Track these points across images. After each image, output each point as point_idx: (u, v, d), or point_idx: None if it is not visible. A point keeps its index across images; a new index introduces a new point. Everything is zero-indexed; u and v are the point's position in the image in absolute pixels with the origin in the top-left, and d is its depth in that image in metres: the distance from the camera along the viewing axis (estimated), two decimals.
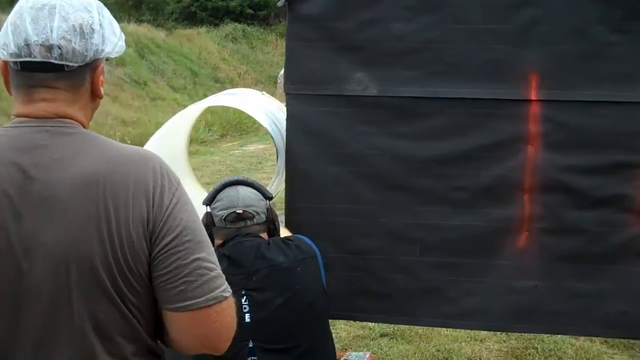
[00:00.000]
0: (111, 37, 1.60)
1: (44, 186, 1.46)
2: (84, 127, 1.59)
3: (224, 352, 1.61)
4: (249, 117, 17.57)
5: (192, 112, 3.86)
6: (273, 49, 26.40)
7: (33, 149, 1.49)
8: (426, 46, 3.14)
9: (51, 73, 1.52)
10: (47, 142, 1.50)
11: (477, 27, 3.09)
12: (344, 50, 3.17)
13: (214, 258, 1.56)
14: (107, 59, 1.63)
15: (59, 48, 1.50)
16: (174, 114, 3.75)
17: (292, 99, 3.23)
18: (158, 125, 14.59)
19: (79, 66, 1.54)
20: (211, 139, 15.44)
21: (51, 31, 1.49)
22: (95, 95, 1.63)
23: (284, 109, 3.30)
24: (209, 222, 2.52)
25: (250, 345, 2.36)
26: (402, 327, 5.07)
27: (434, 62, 3.14)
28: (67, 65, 1.53)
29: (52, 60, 1.50)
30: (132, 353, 1.54)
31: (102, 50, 1.57)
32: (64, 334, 1.47)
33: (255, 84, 19.49)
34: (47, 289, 1.45)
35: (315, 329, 2.47)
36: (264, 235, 2.55)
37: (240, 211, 2.51)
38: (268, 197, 2.61)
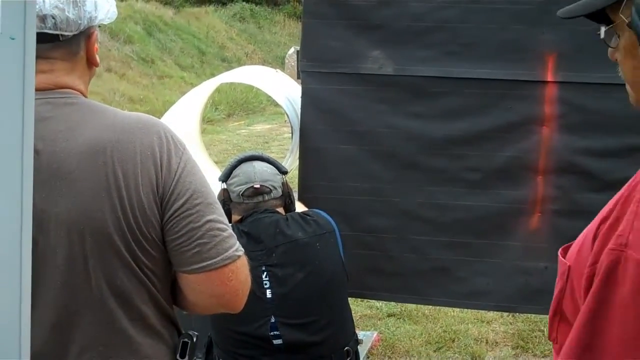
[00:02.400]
0: (103, 3, 1.58)
1: (52, 158, 1.45)
2: (84, 95, 1.59)
3: (239, 310, 1.63)
4: (255, 96, 17.40)
5: (207, 88, 3.86)
6: (280, 29, 26.31)
7: (37, 122, 1.49)
8: (443, 26, 3.14)
9: (46, 44, 1.51)
10: (50, 114, 1.49)
11: (494, 6, 3.08)
12: (360, 28, 3.17)
13: (224, 218, 1.57)
14: (99, 26, 1.62)
15: (53, 18, 1.48)
16: (181, 92, 3.75)
17: (308, 77, 3.24)
18: (165, 104, 14.47)
19: (74, 35, 1.53)
20: (218, 118, 15.43)
21: (43, 1, 1.47)
22: (91, 64, 1.62)
23: (298, 87, 3.31)
24: (225, 198, 2.53)
25: (272, 320, 2.39)
26: (409, 307, 5.10)
27: (450, 42, 3.14)
28: (62, 35, 1.51)
29: (47, 31, 1.49)
30: (154, 318, 1.56)
31: (96, 17, 1.56)
32: (83, 302, 1.48)
33: (262, 64, 19.42)
34: (63, 259, 1.46)
35: (335, 302, 2.49)
36: (281, 210, 2.57)
37: (258, 186, 2.52)
38: (283, 171, 2.63)
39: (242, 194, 2.52)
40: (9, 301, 0.90)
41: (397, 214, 3.25)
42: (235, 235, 1.58)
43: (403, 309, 5.14)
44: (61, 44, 1.53)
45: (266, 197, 2.53)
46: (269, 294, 2.39)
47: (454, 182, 3.18)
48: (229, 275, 1.54)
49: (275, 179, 2.56)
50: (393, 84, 3.19)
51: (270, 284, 2.40)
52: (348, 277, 2.57)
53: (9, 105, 0.79)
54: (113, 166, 1.46)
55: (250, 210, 2.51)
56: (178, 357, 1.61)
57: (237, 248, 1.56)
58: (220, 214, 1.56)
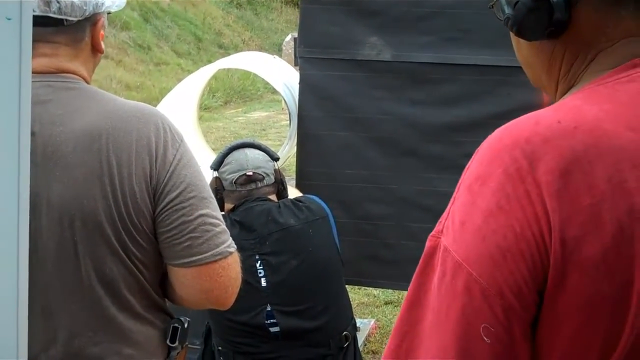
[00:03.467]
0: None
1: (47, 141, 1.44)
2: (87, 82, 1.58)
3: (229, 307, 1.62)
4: (252, 83, 17.39)
5: (205, 74, 3.85)
6: (277, 15, 26.22)
7: (36, 105, 1.48)
8: (441, 12, 3.12)
9: (50, 27, 1.50)
10: (50, 97, 1.48)
11: None
12: (359, 14, 3.15)
13: (218, 214, 1.55)
14: (108, 13, 1.61)
15: (58, 2, 1.47)
16: (177, 79, 3.74)
17: (305, 63, 3.22)
18: (162, 90, 14.44)
19: (79, 20, 1.52)
20: (215, 105, 15.39)
21: None
22: (96, 50, 1.61)
23: (295, 73, 3.30)
24: (218, 186, 2.52)
25: (268, 309, 2.38)
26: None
27: (449, 28, 3.12)
28: (67, 20, 1.50)
29: (51, 15, 1.48)
30: (142, 307, 1.55)
31: (102, 4, 1.54)
32: (72, 288, 1.48)
33: (259, 51, 19.37)
34: (53, 243, 1.45)
35: (331, 288, 2.49)
36: (273, 197, 2.56)
37: (250, 173, 2.50)
38: (275, 158, 2.61)
39: (234, 182, 2.51)
40: (7, 291, 0.89)
41: (395, 201, 3.24)
42: (228, 231, 1.56)
43: (400, 296, 5.14)
44: (65, 29, 1.52)
45: (259, 185, 2.51)
46: (263, 282, 2.39)
47: (452, 169, 3.16)
48: (219, 272, 1.53)
49: (268, 165, 2.55)
50: (391, 70, 3.18)
51: (264, 272, 2.39)
52: (343, 262, 2.56)
53: (6, 87, 0.78)
54: (107, 154, 1.45)
55: (242, 199, 2.50)
56: (168, 342, 1.60)
57: (229, 244, 1.54)
58: (214, 208, 1.54)
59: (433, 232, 0.88)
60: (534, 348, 0.82)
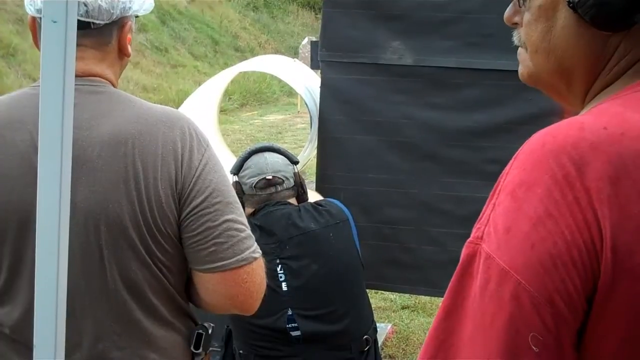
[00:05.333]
0: None
1: (73, 145, 1.45)
2: (113, 85, 1.58)
3: (254, 312, 1.62)
4: (268, 86, 17.41)
5: (225, 77, 3.86)
6: (294, 19, 26.25)
7: None
8: (463, 16, 3.12)
9: (78, 30, 1.51)
10: (76, 100, 1.47)
11: None
12: (381, 18, 3.15)
13: (244, 219, 1.54)
14: (136, 16, 1.61)
15: (85, 5, 1.48)
16: (194, 81, 3.76)
17: (327, 67, 3.23)
18: (178, 92, 14.47)
19: (106, 24, 1.52)
20: (231, 108, 15.43)
21: None
22: (123, 54, 1.61)
23: (315, 76, 3.30)
24: (237, 191, 2.51)
25: (289, 313, 2.38)
26: (424, 299, 5.09)
27: (471, 33, 3.12)
28: (94, 23, 1.51)
29: (78, 18, 1.46)
30: (167, 312, 1.55)
31: (130, 7, 1.55)
32: (97, 292, 1.48)
33: (275, 54, 19.41)
34: (79, 247, 1.45)
35: (351, 292, 2.48)
36: (293, 201, 2.55)
37: (270, 177, 2.50)
38: (294, 161, 2.61)
39: (254, 186, 2.50)
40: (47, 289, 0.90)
41: (415, 205, 3.24)
42: (253, 236, 1.56)
43: (417, 301, 5.14)
44: (92, 32, 1.53)
45: (279, 188, 2.51)
46: (284, 286, 2.39)
47: (472, 174, 3.17)
48: (243, 277, 1.52)
49: (287, 169, 2.55)
50: (413, 74, 3.18)
51: (285, 276, 2.39)
52: (364, 266, 2.56)
53: (51, 88, 0.79)
54: (133, 158, 1.45)
55: (262, 203, 2.50)
56: (192, 348, 1.60)
57: (254, 250, 1.53)
58: (239, 214, 1.53)
59: (470, 239, 0.86)
60: (580, 355, 0.81)
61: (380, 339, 4.47)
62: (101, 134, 1.46)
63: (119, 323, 1.50)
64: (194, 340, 1.60)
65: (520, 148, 0.86)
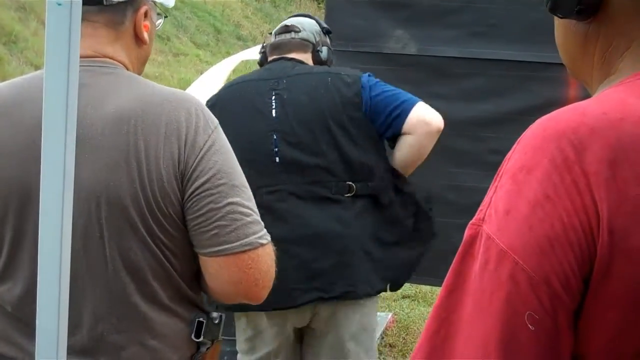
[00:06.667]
0: None
1: (79, 123, 1.42)
2: (127, 69, 1.56)
3: (261, 301, 1.57)
4: None
5: (228, 65, 3.85)
6: (296, 8, 26.10)
7: None
8: (468, 6, 3.11)
9: (92, 6, 1.49)
10: (87, 81, 1.46)
11: None
12: (385, 7, 3.14)
13: (251, 204, 1.50)
14: (159, 12, 1.61)
15: None
16: (196, 70, 3.74)
17: None
18: (180, 81, 14.50)
19: (119, 2, 1.52)
20: None
21: None
22: (139, 39, 1.59)
23: None
24: (266, 45, 2.65)
25: (274, 137, 2.43)
26: (424, 289, 5.10)
27: (475, 22, 3.11)
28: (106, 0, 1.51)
29: None
30: (168, 298, 1.51)
31: None
32: (97, 271, 1.46)
33: None
34: (81, 225, 1.43)
35: (336, 135, 2.44)
36: (307, 58, 2.59)
37: (289, 24, 2.61)
38: (327, 30, 2.68)
39: (275, 32, 2.62)
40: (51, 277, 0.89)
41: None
42: (262, 222, 1.52)
43: (417, 290, 5.15)
44: (105, 9, 1.52)
45: (294, 35, 2.58)
46: (274, 113, 2.45)
47: (476, 164, 3.16)
48: (247, 263, 1.48)
49: (312, 28, 2.62)
50: (416, 64, 3.17)
51: (275, 104, 2.46)
52: (372, 121, 2.50)
53: (56, 69, 0.79)
54: (135, 137, 1.43)
55: (276, 49, 2.59)
56: (193, 336, 1.55)
57: (260, 235, 1.49)
58: (246, 198, 1.49)
59: (473, 221, 0.88)
60: (576, 336, 0.83)
61: (381, 328, 4.48)
62: (106, 113, 1.45)
63: (118, 305, 1.47)
64: (194, 329, 1.55)
65: (524, 133, 0.88)
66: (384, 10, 3.14)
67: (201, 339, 1.56)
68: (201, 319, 1.56)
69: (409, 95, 2.55)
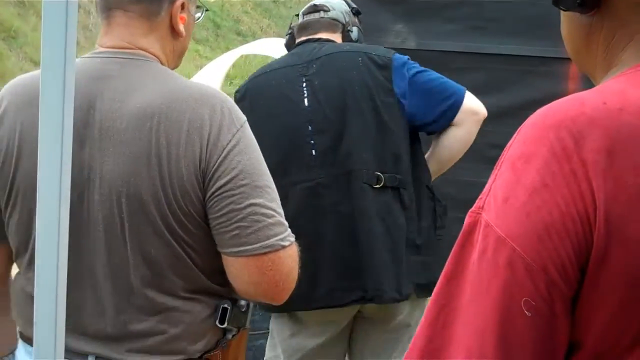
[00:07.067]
0: None
1: (105, 117, 1.44)
2: (160, 62, 1.55)
3: (281, 302, 1.55)
4: None
5: (228, 60, 3.85)
6: (296, 3, 26.11)
7: (101, 79, 1.48)
8: (467, 0, 3.10)
9: None
10: (116, 73, 1.48)
11: None
12: (384, 1, 3.14)
13: (275, 205, 1.48)
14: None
15: None
16: (195, 65, 3.74)
17: None
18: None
19: None
20: (232, 92, 15.41)
21: None
22: (175, 33, 1.58)
23: None
24: (294, 25, 2.56)
25: (309, 128, 2.32)
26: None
27: (474, 17, 3.10)
28: None
29: None
30: (189, 291, 1.51)
31: None
32: (118, 264, 1.46)
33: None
34: (103, 218, 1.45)
35: (372, 127, 2.30)
36: (337, 37, 2.49)
37: (318, 3, 2.50)
38: (357, 11, 2.58)
39: (302, 13, 2.52)
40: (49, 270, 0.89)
41: None
42: (285, 223, 1.49)
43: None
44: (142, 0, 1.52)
45: (323, 15, 2.48)
46: (306, 102, 2.33)
47: (475, 158, 3.15)
48: (267, 265, 1.46)
49: (341, 7, 2.52)
50: (416, 58, 3.14)
51: (307, 92, 2.34)
52: (408, 117, 2.37)
53: (52, 66, 0.78)
54: (158, 133, 1.42)
55: (305, 33, 2.48)
56: (217, 323, 1.54)
57: (283, 237, 1.47)
58: (270, 199, 1.47)
59: (473, 209, 0.89)
60: (572, 323, 0.84)
61: None
62: (131, 108, 1.44)
63: (137, 297, 1.48)
64: (219, 315, 1.55)
65: (524, 122, 0.89)
66: (382, 5, 3.14)
67: (225, 325, 1.55)
68: (225, 306, 1.55)
69: (454, 84, 2.42)
